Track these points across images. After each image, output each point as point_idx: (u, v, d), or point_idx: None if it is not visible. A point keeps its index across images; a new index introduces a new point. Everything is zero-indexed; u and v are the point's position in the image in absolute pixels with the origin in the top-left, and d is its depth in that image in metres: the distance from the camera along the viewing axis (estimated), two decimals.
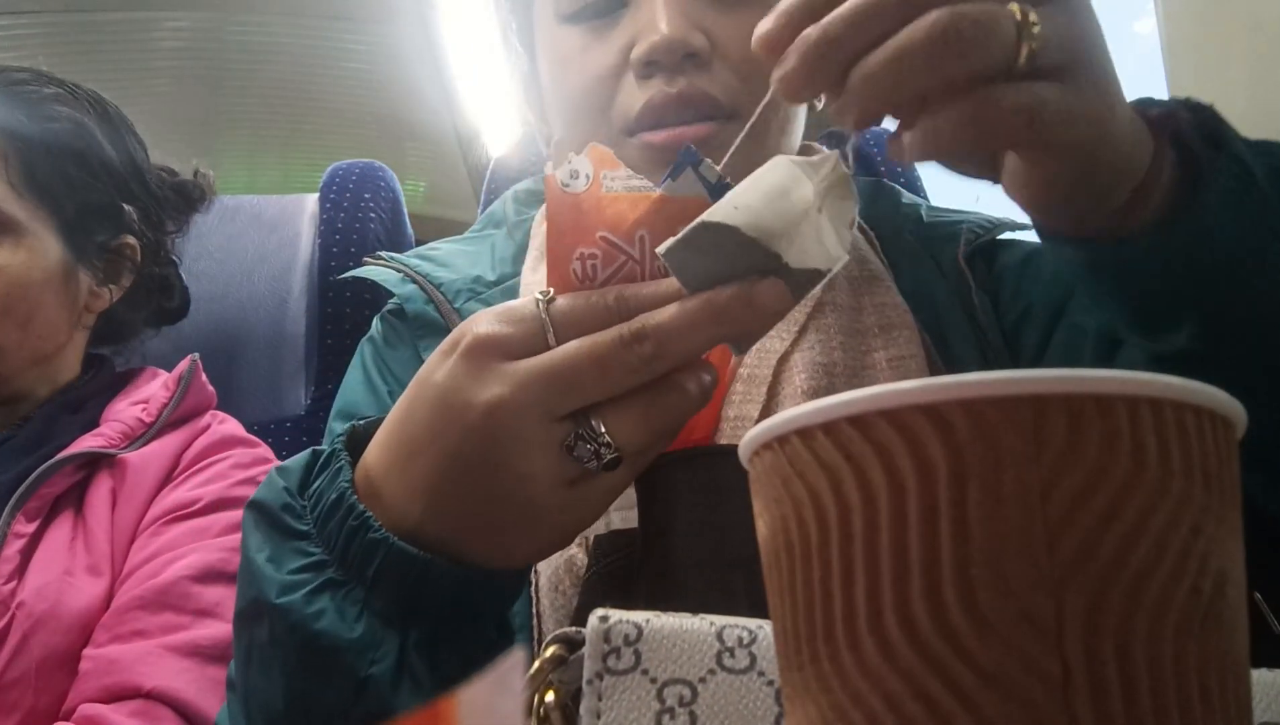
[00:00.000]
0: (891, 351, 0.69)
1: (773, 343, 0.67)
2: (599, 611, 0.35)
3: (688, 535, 0.47)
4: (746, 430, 0.63)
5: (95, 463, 0.80)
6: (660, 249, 0.42)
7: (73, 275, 0.88)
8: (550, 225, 0.46)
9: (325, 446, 0.50)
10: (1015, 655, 0.22)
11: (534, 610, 0.60)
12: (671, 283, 0.44)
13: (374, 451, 0.48)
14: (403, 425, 0.46)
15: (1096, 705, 0.22)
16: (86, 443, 0.81)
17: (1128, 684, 0.22)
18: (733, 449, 0.45)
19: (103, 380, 0.92)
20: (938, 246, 0.76)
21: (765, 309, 0.42)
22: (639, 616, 0.34)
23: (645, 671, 0.33)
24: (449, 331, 0.77)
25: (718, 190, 0.45)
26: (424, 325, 0.76)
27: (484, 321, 0.45)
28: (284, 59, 2.86)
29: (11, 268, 0.82)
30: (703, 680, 0.33)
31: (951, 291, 0.73)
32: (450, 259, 0.82)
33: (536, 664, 0.37)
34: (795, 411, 0.25)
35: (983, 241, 0.76)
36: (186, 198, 1.03)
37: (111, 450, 0.81)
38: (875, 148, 1.16)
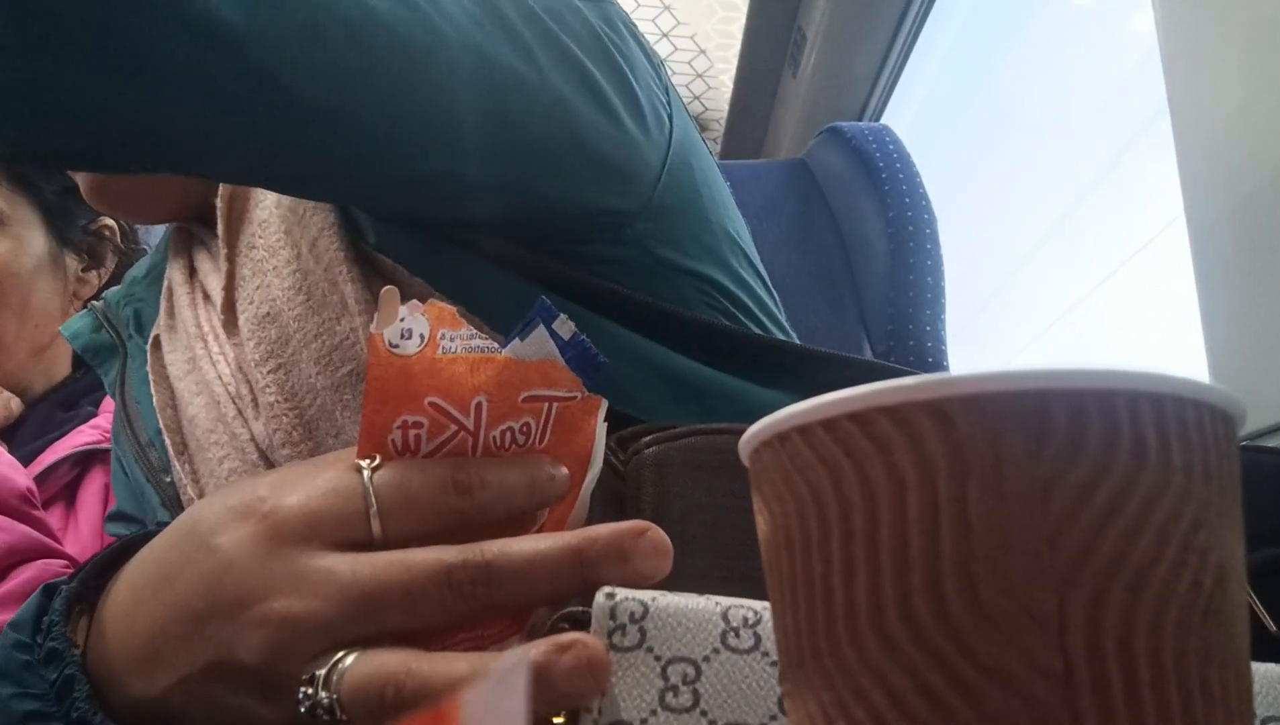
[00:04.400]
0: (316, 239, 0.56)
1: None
2: (605, 588, 0.35)
3: (681, 515, 0.47)
4: None
5: (89, 458, 0.81)
6: None
7: (59, 260, 0.89)
8: (370, 391, 0.38)
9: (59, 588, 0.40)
10: (1017, 650, 0.22)
11: None
12: (517, 463, 0.39)
13: (114, 630, 0.38)
14: (155, 592, 0.37)
15: (1098, 700, 0.22)
16: (82, 437, 0.82)
17: (1129, 679, 0.22)
18: (725, 428, 0.44)
19: (95, 378, 0.92)
20: None
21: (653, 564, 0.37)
22: (645, 594, 0.35)
23: (650, 649, 0.34)
24: (115, 343, 0.65)
25: (571, 348, 0.40)
26: (95, 352, 0.68)
27: (292, 488, 0.37)
28: None
29: (0, 258, 0.83)
30: (707, 659, 0.33)
31: None
32: (132, 274, 0.72)
33: None
34: (796, 408, 0.25)
35: None
36: None
37: (105, 446, 0.81)
38: (874, 145, 1.13)
